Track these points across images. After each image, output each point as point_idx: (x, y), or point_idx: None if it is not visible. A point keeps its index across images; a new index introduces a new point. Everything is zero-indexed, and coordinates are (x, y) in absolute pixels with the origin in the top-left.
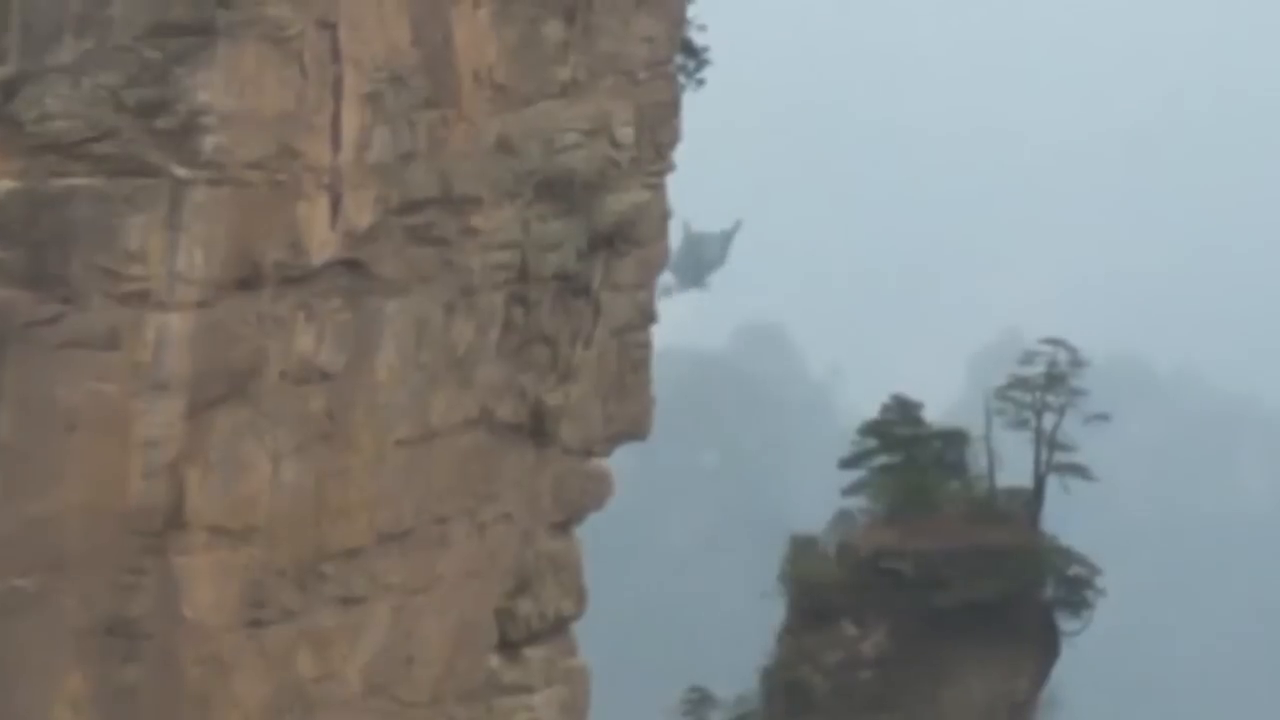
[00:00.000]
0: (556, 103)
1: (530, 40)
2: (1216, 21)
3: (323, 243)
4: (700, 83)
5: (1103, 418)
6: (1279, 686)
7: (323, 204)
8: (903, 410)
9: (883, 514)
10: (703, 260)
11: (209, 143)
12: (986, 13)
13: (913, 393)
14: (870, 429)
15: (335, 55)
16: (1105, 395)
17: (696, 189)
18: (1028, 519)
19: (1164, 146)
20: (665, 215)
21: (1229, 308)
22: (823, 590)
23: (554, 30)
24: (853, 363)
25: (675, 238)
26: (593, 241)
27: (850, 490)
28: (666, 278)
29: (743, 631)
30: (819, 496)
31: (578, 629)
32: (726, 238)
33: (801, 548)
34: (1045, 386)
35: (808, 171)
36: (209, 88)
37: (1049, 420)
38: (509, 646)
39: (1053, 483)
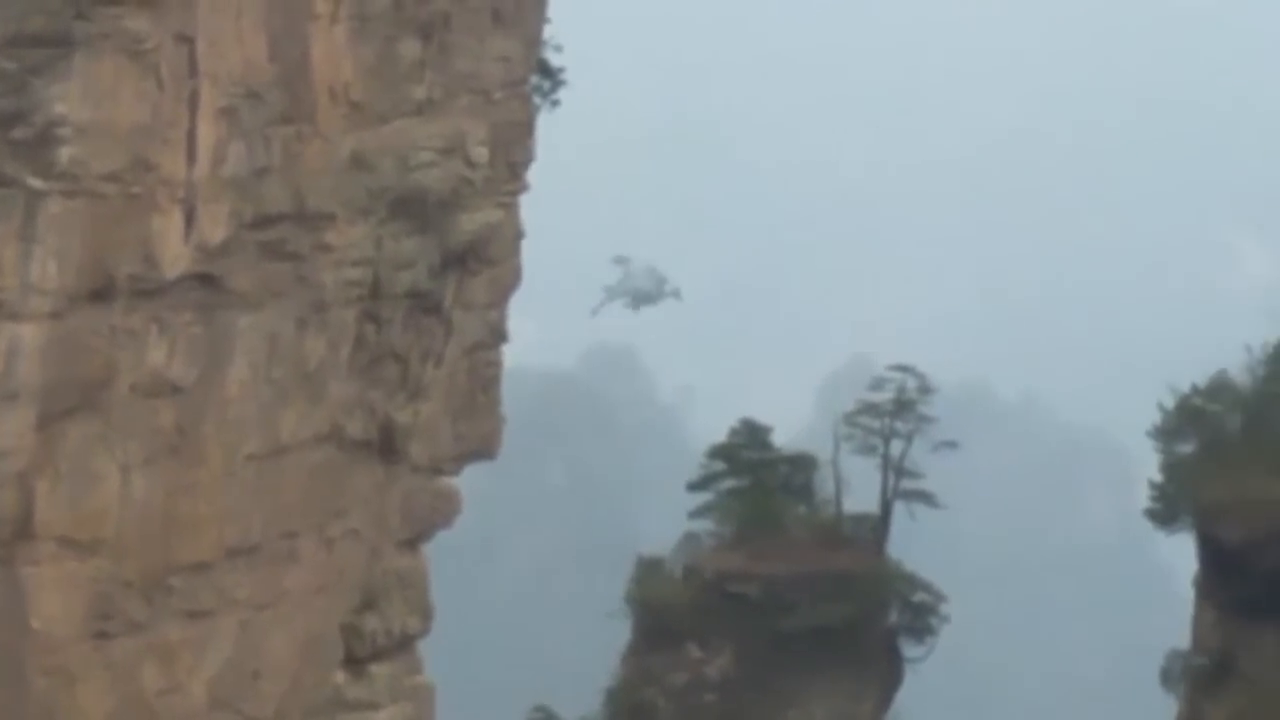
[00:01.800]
0: (412, 121)
1: (386, 58)
2: (1066, 44)
3: (176, 256)
4: (555, 103)
5: (950, 445)
6: (1119, 716)
7: (176, 217)
8: (751, 434)
9: (729, 537)
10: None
11: (64, 154)
12: (834, 35)
13: (762, 417)
14: (718, 452)
15: (192, 69)
16: (953, 423)
17: (545, 208)
18: (874, 545)
19: (1013, 175)
20: (518, 235)
21: (1077, 338)
22: (668, 612)
23: (410, 48)
24: (702, 385)
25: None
26: (445, 260)
27: (697, 513)
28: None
29: (588, 652)
30: (666, 518)
31: (423, 646)
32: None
33: (647, 569)
34: (893, 413)
35: (658, 194)
36: (65, 99)
37: (896, 446)
38: (355, 663)
39: (899, 509)
